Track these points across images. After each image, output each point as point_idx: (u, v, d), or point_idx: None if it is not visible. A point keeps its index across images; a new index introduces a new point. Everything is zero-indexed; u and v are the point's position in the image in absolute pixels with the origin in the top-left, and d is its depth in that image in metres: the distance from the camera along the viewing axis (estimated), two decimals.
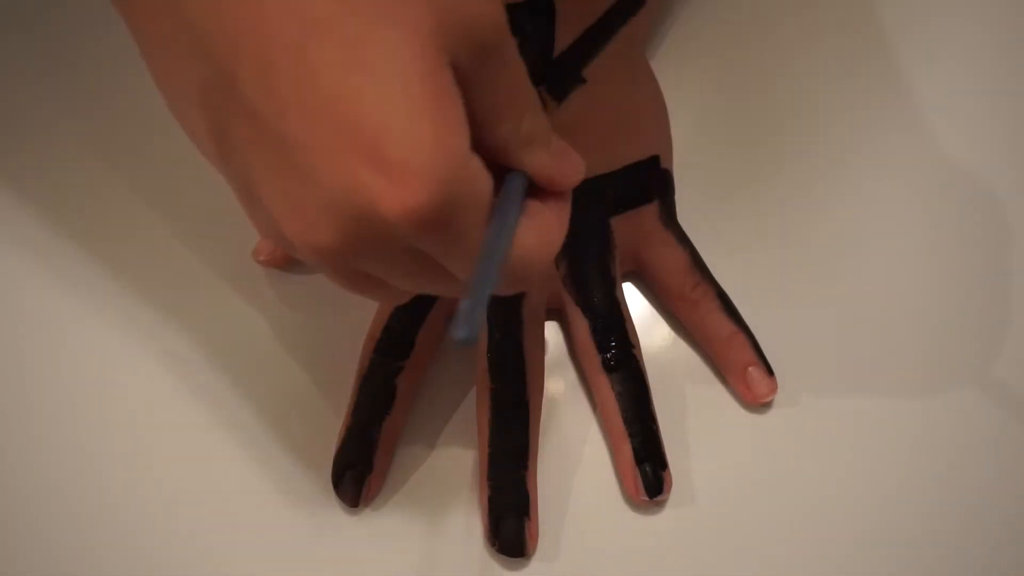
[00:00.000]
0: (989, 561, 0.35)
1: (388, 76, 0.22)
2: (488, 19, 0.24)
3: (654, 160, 0.39)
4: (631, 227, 0.38)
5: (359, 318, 0.38)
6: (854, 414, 0.37)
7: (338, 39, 0.22)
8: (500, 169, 0.26)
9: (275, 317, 0.39)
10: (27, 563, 0.35)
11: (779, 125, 0.42)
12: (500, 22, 0.24)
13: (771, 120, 0.42)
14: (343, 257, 0.24)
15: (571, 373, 0.38)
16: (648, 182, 0.38)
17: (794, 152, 0.41)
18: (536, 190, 0.27)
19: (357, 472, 0.35)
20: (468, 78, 0.24)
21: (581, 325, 0.37)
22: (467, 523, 0.36)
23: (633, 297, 0.39)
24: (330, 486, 0.35)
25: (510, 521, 0.34)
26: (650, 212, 0.38)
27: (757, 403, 0.37)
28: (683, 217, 0.39)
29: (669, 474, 0.35)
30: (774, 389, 0.37)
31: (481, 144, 0.25)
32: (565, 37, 0.38)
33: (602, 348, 0.36)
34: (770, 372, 0.37)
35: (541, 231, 0.26)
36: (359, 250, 0.24)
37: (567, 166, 0.27)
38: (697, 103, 0.42)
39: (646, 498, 0.35)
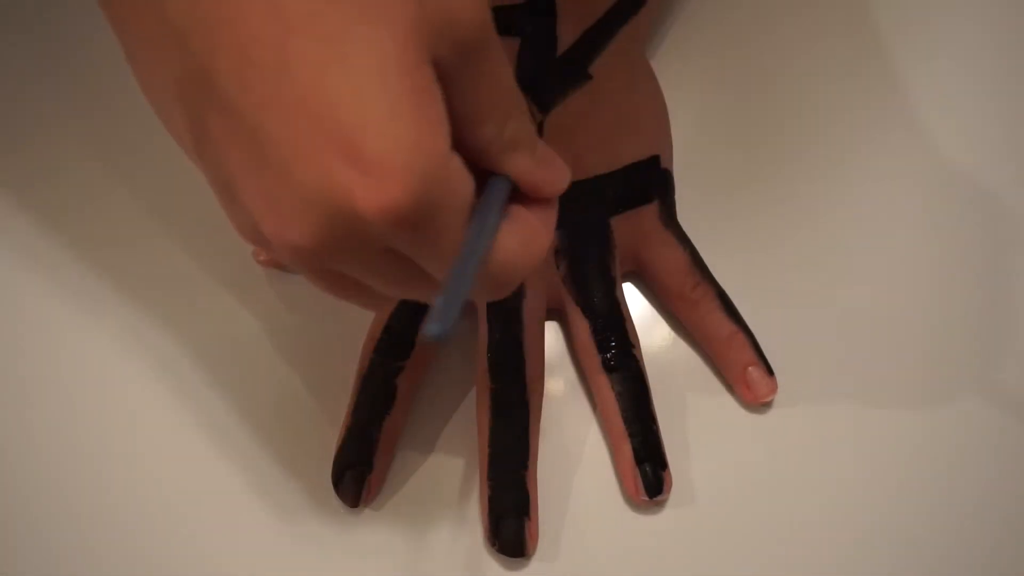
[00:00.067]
0: (989, 561, 0.35)
1: (367, 72, 0.22)
2: (471, 17, 0.23)
3: (654, 160, 0.39)
4: (631, 227, 0.38)
5: (359, 318, 0.38)
6: (854, 414, 0.37)
7: (317, 34, 0.22)
8: (485, 173, 0.26)
9: (275, 317, 0.39)
10: (27, 564, 0.35)
11: (779, 125, 0.42)
12: (484, 20, 0.24)
13: (771, 120, 0.42)
14: (319, 256, 0.24)
15: (571, 373, 0.38)
16: (648, 182, 0.38)
17: (794, 152, 0.41)
18: (523, 196, 0.27)
19: (357, 472, 0.35)
20: (451, 76, 0.23)
21: (581, 325, 0.37)
22: (467, 523, 0.36)
23: (633, 297, 0.39)
24: (330, 486, 0.35)
25: (510, 521, 0.34)
26: (650, 212, 0.38)
27: (757, 403, 0.37)
28: (683, 217, 0.39)
29: (669, 474, 0.35)
30: (774, 389, 0.37)
31: (463, 146, 0.25)
32: (567, 36, 0.38)
33: (602, 348, 0.36)
34: (770, 372, 0.37)
35: (524, 236, 0.26)
36: (335, 249, 0.23)
37: (552, 173, 0.27)
38: (697, 103, 0.42)
39: (646, 498, 0.35)
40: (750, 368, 0.37)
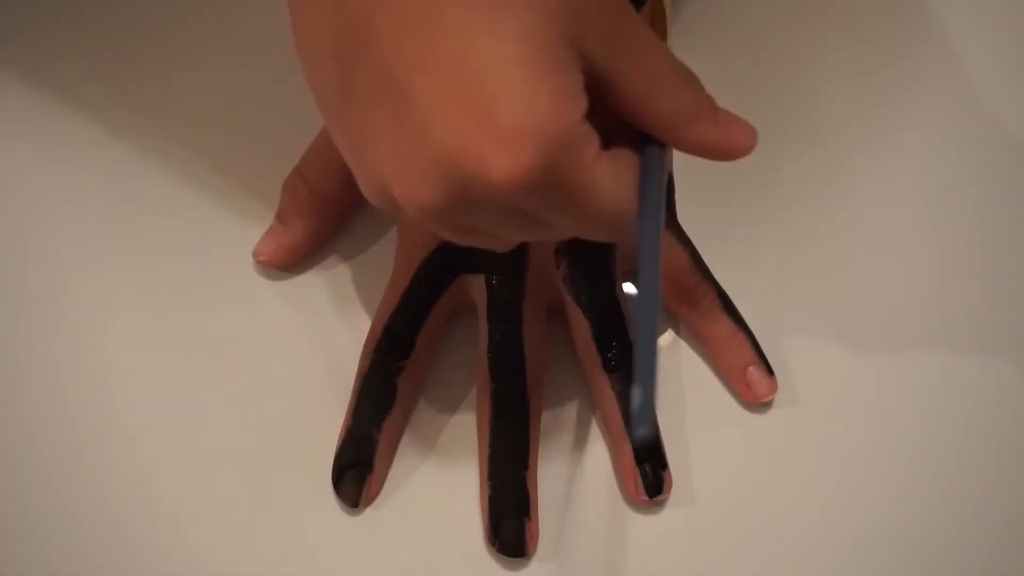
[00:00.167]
0: (989, 561, 0.35)
1: (510, 41, 0.23)
2: (611, 6, 0.25)
3: None
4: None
5: (359, 318, 0.38)
6: (854, 414, 0.37)
7: (473, 1, 0.23)
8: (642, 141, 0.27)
9: (275, 317, 0.39)
10: (27, 564, 0.35)
11: (779, 125, 0.42)
12: (625, 8, 0.26)
13: (772, 120, 0.42)
14: (446, 215, 0.25)
15: (571, 373, 0.38)
16: None
17: (794, 152, 0.41)
18: None
19: (357, 472, 0.35)
20: (607, 67, 0.25)
21: (582, 325, 0.37)
22: (467, 523, 0.36)
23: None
24: (330, 486, 0.35)
25: (510, 521, 0.34)
26: None
27: (757, 403, 0.37)
28: (683, 217, 0.39)
29: (669, 474, 0.35)
30: (774, 389, 0.37)
31: (650, 124, 0.26)
32: None
33: (603, 348, 0.36)
34: (770, 372, 0.37)
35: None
36: (461, 210, 0.25)
37: (741, 133, 0.28)
38: None
39: (646, 498, 0.35)
40: (750, 368, 0.37)
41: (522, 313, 0.36)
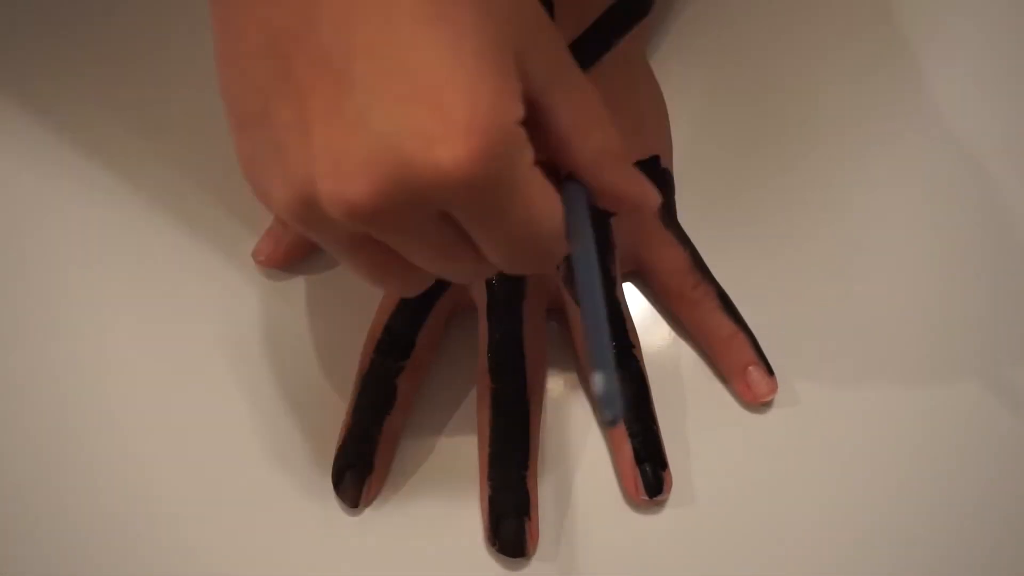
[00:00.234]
0: (989, 561, 0.35)
1: (466, 36, 0.23)
2: (555, 39, 0.26)
3: (654, 160, 0.39)
4: (631, 227, 0.38)
5: (359, 318, 0.38)
6: (854, 414, 0.37)
7: None
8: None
9: (275, 317, 0.39)
10: (26, 564, 0.35)
11: (779, 125, 0.42)
12: (564, 45, 0.26)
13: (771, 120, 0.42)
14: (373, 216, 0.24)
15: (571, 373, 0.38)
16: None
17: (794, 152, 0.41)
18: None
19: (357, 472, 0.35)
20: (545, 93, 0.25)
21: (582, 325, 0.37)
22: (467, 523, 0.36)
23: (633, 297, 0.39)
24: (330, 486, 0.35)
25: (510, 521, 0.34)
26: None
27: (757, 403, 0.37)
28: (683, 217, 0.39)
29: (669, 474, 0.35)
30: (774, 389, 0.37)
31: (575, 160, 0.26)
32: (565, 35, 0.38)
33: None
34: (770, 372, 0.37)
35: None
36: (392, 207, 0.24)
37: (648, 187, 0.28)
38: (697, 103, 0.42)
39: (646, 498, 0.35)
40: (750, 368, 0.37)
41: (522, 313, 0.36)
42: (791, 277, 0.39)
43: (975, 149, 0.41)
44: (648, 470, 0.35)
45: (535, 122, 0.26)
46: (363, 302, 0.38)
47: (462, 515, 0.36)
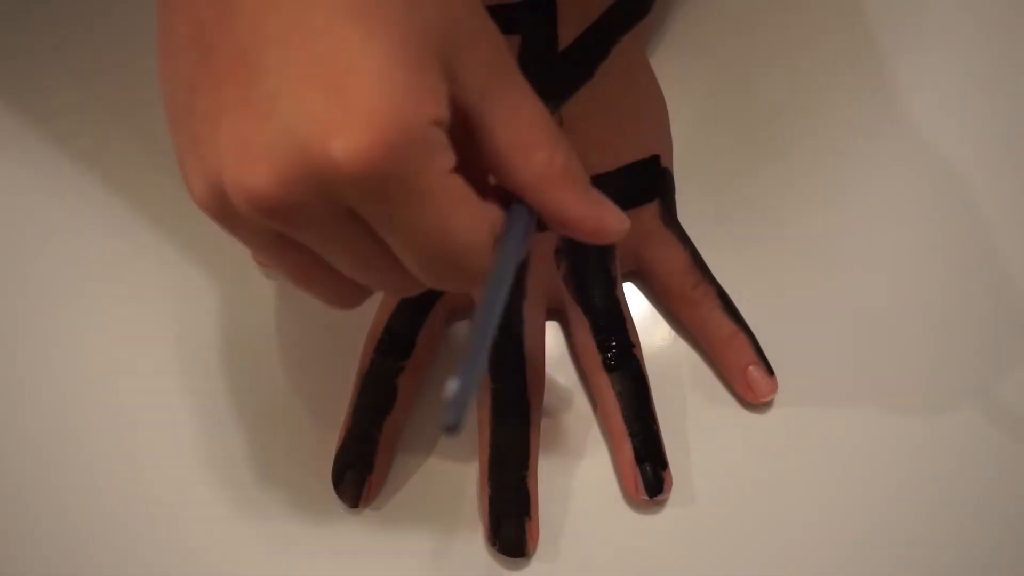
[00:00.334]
0: (989, 561, 0.35)
1: (380, 31, 0.22)
2: (492, 48, 0.24)
3: (654, 159, 0.39)
4: (631, 227, 0.38)
5: (360, 318, 0.38)
6: (854, 414, 0.37)
7: None
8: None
9: (275, 317, 0.39)
10: (25, 564, 0.35)
11: (780, 124, 0.42)
12: (506, 56, 0.25)
13: (772, 119, 0.42)
14: (276, 207, 0.23)
15: (571, 373, 0.38)
16: (649, 181, 0.38)
17: (795, 152, 0.41)
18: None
19: (357, 472, 0.35)
20: (479, 105, 0.24)
21: (581, 325, 0.37)
22: (467, 523, 0.36)
23: (633, 297, 0.39)
24: (330, 486, 0.35)
25: (510, 521, 0.34)
26: (650, 211, 0.38)
27: (757, 403, 0.37)
28: (683, 216, 0.39)
29: (669, 474, 0.35)
30: (774, 389, 0.37)
31: (515, 180, 0.25)
32: (567, 35, 0.38)
33: (602, 348, 0.36)
34: (770, 372, 0.37)
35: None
36: (294, 199, 0.23)
37: (610, 217, 0.27)
38: (697, 102, 0.42)
39: (646, 498, 0.35)
40: (750, 368, 0.37)
41: (522, 313, 0.36)
42: (792, 277, 0.39)
43: (976, 147, 0.41)
44: (648, 470, 0.35)
45: (475, 138, 0.25)
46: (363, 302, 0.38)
47: (462, 515, 0.36)
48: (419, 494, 0.36)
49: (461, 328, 0.38)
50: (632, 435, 0.35)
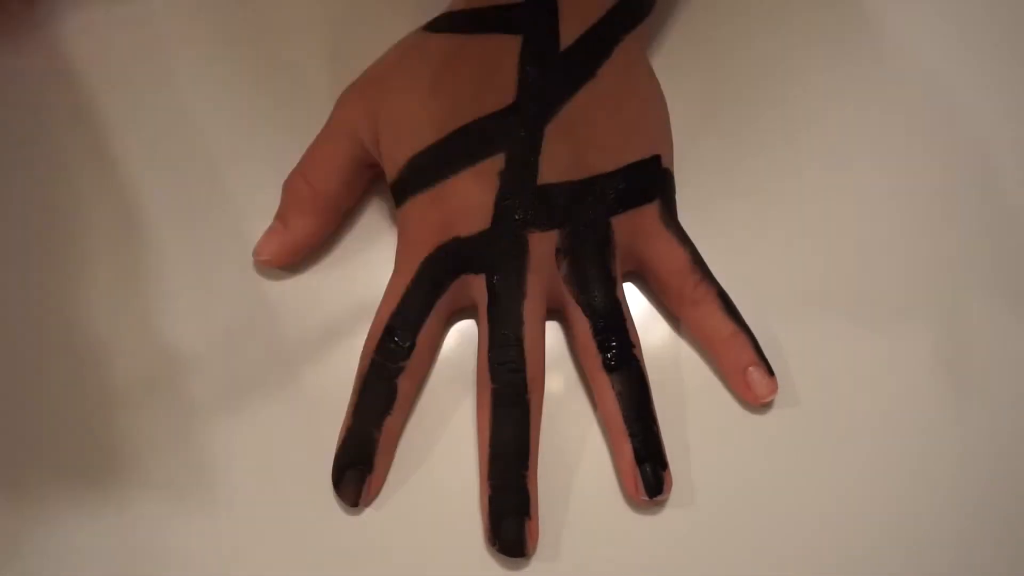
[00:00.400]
0: (989, 561, 0.35)
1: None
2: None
3: (655, 159, 0.39)
4: (632, 226, 0.38)
5: (359, 318, 0.38)
6: (855, 414, 0.37)
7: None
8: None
9: (275, 317, 0.39)
10: (24, 563, 0.35)
11: (780, 124, 0.42)
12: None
13: (772, 119, 0.42)
14: None
15: (571, 373, 0.38)
16: (649, 181, 0.38)
17: (796, 151, 0.41)
18: None
19: (357, 472, 0.35)
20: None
21: (582, 325, 0.37)
22: (467, 523, 0.36)
23: (633, 297, 0.39)
24: (330, 486, 0.35)
25: (510, 521, 0.34)
26: (651, 212, 0.38)
27: (757, 403, 0.37)
28: (683, 217, 0.39)
29: (669, 474, 0.35)
30: (774, 389, 0.37)
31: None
32: (568, 35, 0.38)
33: (603, 348, 0.36)
34: (771, 372, 0.37)
35: None
36: None
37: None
38: (697, 103, 0.42)
39: (646, 498, 0.35)
40: (751, 368, 0.37)
41: (522, 313, 0.36)
42: (792, 277, 0.39)
43: (976, 147, 0.41)
44: (648, 470, 0.35)
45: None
46: (363, 302, 0.38)
47: (462, 515, 0.36)
48: (419, 494, 0.36)
49: (462, 328, 0.38)
50: (632, 435, 0.35)
